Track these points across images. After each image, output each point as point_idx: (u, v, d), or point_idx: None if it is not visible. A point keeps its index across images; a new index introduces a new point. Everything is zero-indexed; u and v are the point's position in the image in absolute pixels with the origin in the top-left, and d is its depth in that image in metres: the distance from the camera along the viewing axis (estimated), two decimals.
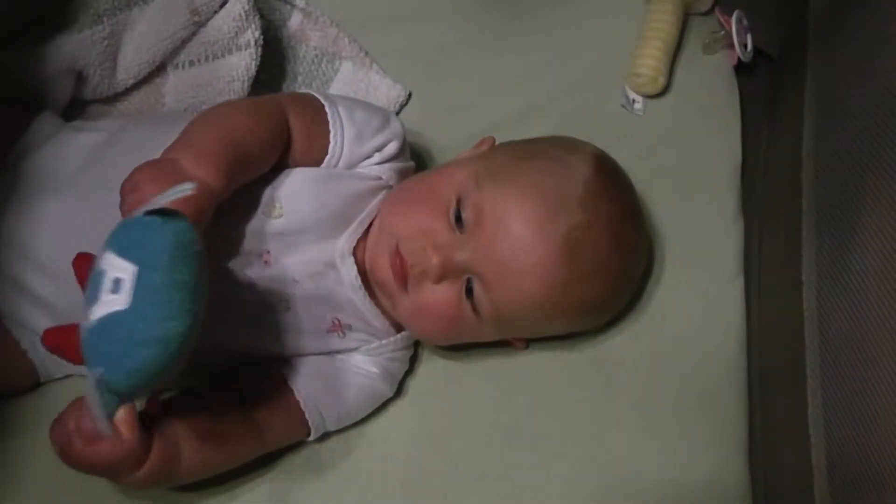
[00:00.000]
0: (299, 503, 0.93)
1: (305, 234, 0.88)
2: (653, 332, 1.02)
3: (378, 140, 0.93)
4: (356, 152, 0.92)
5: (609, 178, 0.93)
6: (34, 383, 0.94)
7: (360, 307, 0.91)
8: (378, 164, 0.94)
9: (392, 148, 0.94)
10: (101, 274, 0.66)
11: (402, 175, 0.96)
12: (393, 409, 0.97)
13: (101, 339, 0.66)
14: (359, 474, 0.95)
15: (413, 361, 0.99)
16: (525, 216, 0.87)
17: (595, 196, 0.90)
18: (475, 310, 0.89)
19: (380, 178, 0.93)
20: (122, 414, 0.74)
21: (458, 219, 0.89)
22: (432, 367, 0.99)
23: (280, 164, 0.90)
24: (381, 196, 0.93)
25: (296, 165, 0.91)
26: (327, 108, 0.92)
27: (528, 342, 0.99)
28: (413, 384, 0.99)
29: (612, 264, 0.91)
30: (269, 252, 0.87)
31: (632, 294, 1.00)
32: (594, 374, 1.00)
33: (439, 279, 0.88)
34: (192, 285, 0.67)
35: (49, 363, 0.93)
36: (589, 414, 0.98)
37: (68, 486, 0.91)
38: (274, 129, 0.88)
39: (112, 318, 0.65)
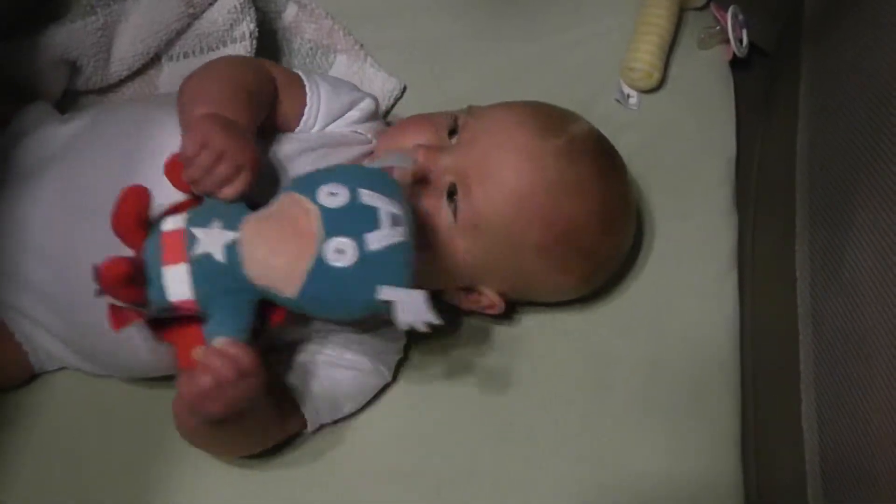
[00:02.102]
0: (292, 498, 0.93)
1: None
2: (646, 327, 1.02)
3: (354, 95, 0.97)
4: (334, 104, 0.95)
5: (601, 140, 0.97)
6: (28, 376, 0.94)
7: None
8: (359, 122, 0.96)
9: (369, 104, 0.97)
10: (372, 209, 0.76)
11: None
12: (386, 405, 0.97)
13: (389, 262, 0.76)
14: (351, 470, 0.95)
15: (405, 352, 0.98)
16: (514, 126, 0.91)
17: (583, 131, 0.95)
18: (453, 212, 0.89)
19: (369, 140, 0.96)
20: (255, 350, 0.78)
21: (453, 134, 0.92)
22: (426, 363, 0.99)
23: (264, 124, 0.91)
24: (370, 158, 0.94)
25: (275, 122, 0.92)
26: (301, 73, 0.96)
27: (505, 305, 0.96)
28: (406, 380, 0.98)
29: (594, 189, 0.91)
30: None
31: (616, 250, 0.98)
32: (587, 369, 1.00)
33: (421, 177, 0.89)
34: None
35: (43, 356, 0.92)
36: (582, 409, 0.98)
37: (61, 479, 0.91)
38: (265, 77, 0.92)
39: (400, 246, 0.76)
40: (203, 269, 0.77)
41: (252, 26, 1.00)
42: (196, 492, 0.92)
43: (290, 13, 1.11)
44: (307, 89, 0.94)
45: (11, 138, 0.93)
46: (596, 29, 1.16)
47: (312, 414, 0.92)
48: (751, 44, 1.15)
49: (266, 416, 0.87)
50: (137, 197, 0.77)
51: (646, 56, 1.11)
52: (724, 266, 1.05)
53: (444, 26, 1.16)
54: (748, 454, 0.98)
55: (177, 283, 0.77)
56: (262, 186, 0.83)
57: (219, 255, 0.77)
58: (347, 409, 0.95)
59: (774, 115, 1.11)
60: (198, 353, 0.77)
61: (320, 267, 0.75)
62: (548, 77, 1.13)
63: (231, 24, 0.99)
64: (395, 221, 0.76)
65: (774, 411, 0.96)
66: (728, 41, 1.14)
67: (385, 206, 0.77)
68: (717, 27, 1.15)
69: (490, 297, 0.95)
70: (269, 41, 1.07)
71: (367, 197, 0.77)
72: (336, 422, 0.95)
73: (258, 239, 0.77)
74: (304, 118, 0.94)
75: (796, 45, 1.06)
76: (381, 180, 0.79)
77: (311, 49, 1.10)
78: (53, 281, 0.86)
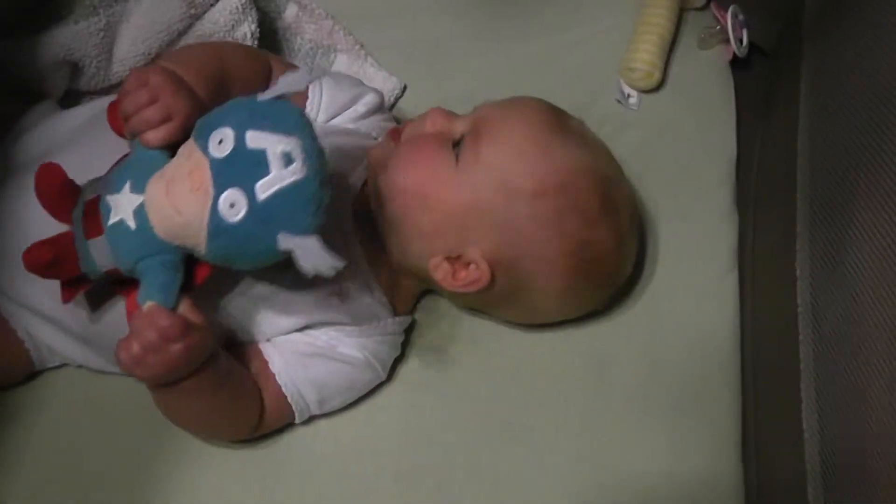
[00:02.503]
0: (291, 497, 0.93)
1: None
2: (646, 326, 1.02)
3: (357, 90, 0.98)
4: (337, 97, 0.96)
5: (614, 159, 0.98)
6: (29, 373, 0.94)
7: (358, 272, 0.91)
8: (364, 117, 0.97)
9: (372, 98, 0.98)
10: (259, 152, 0.72)
11: None
12: (385, 402, 0.97)
13: (287, 207, 0.73)
14: (351, 467, 0.95)
15: (405, 354, 0.98)
16: (527, 102, 0.94)
17: (596, 136, 0.97)
18: (456, 156, 0.90)
19: (373, 137, 0.96)
20: (186, 305, 0.79)
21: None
22: (425, 360, 0.99)
23: None
24: None
25: None
26: (303, 68, 0.95)
27: (490, 276, 0.91)
28: (406, 377, 0.98)
29: (600, 163, 0.93)
30: None
31: (613, 242, 0.92)
32: (587, 367, 1.00)
33: (432, 125, 0.92)
34: None
35: (44, 351, 0.93)
36: (582, 407, 0.98)
37: (61, 478, 0.92)
38: (256, 61, 0.94)
39: (296, 186, 0.72)
40: (120, 236, 0.78)
41: (253, 27, 1.00)
42: (196, 490, 0.92)
43: (290, 13, 1.11)
44: (309, 84, 0.94)
45: (15, 135, 0.94)
46: (596, 29, 1.16)
47: (300, 404, 0.91)
48: (751, 44, 1.15)
49: (224, 386, 0.86)
50: (48, 173, 0.80)
51: (646, 56, 1.11)
52: (725, 266, 1.05)
53: (444, 26, 1.16)
54: (748, 454, 0.98)
55: (102, 255, 0.79)
56: None
57: (130, 221, 0.77)
58: (337, 403, 0.94)
59: (775, 115, 1.11)
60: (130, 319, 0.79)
61: (217, 223, 0.74)
62: (548, 77, 1.13)
63: (233, 25, 0.99)
64: (286, 161, 0.72)
65: (775, 411, 0.96)
66: (728, 41, 1.14)
67: (274, 146, 0.73)
68: (718, 27, 1.15)
69: (477, 265, 0.90)
70: (270, 41, 1.07)
71: (254, 139, 0.73)
72: (329, 421, 0.95)
73: (162, 199, 0.76)
74: (306, 110, 0.95)
75: (796, 44, 1.06)
76: (273, 113, 0.75)
77: (312, 49, 1.10)
78: None
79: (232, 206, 0.73)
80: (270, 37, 1.08)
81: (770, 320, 1.00)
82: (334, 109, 0.96)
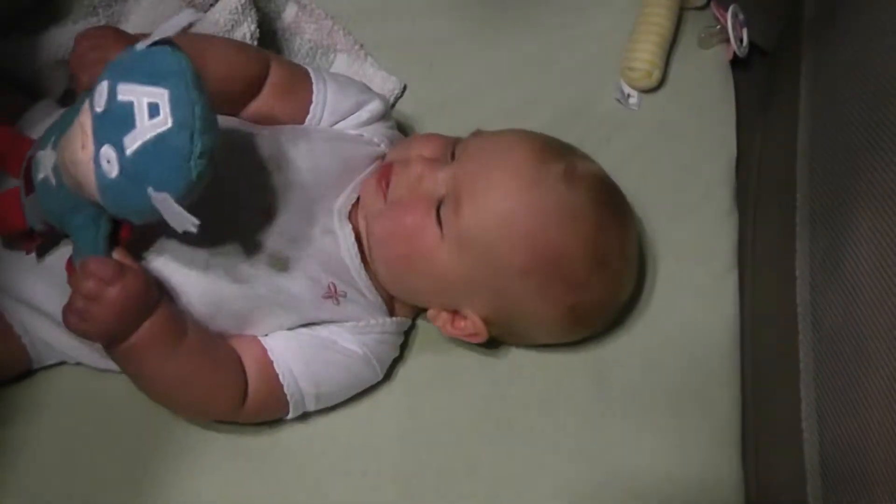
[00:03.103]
0: (292, 496, 0.93)
1: (304, 194, 0.89)
2: (646, 326, 1.02)
3: (361, 96, 0.97)
4: (341, 103, 0.95)
5: (607, 180, 0.95)
6: (26, 369, 0.94)
7: (354, 275, 0.91)
8: (367, 124, 0.97)
9: (377, 106, 0.97)
10: (127, 104, 0.69)
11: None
12: (384, 402, 0.97)
13: (152, 161, 0.69)
14: (350, 467, 0.95)
15: (404, 354, 0.98)
16: (512, 146, 0.90)
17: (587, 166, 0.93)
18: (440, 226, 0.88)
19: (376, 144, 0.96)
20: (118, 253, 0.80)
21: (454, 157, 0.92)
22: (424, 361, 0.99)
23: (262, 116, 0.93)
24: (377, 164, 0.95)
25: (280, 116, 0.94)
26: (310, 70, 0.96)
27: (488, 334, 0.94)
28: (404, 377, 0.98)
29: (589, 218, 0.89)
30: (268, 210, 0.88)
31: (607, 292, 0.94)
32: (586, 368, 1.00)
33: (416, 186, 0.90)
34: (209, 105, 0.71)
35: (41, 347, 0.93)
36: (581, 408, 0.98)
37: (61, 478, 0.91)
38: (247, 56, 0.93)
39: (160, 139, 0.69)
40: (45, 193, 0.79)
41: (253, 27, 1.00)
42: (195, 490, 0.92)
43: (289, 13, 1.11)
44: (314, 86, 0.95)
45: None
46: (596, 29, 1.16)
47: (296, 396, 0.91)
48: (751, 43, 1.15)
49: (191, 350, 0.86)
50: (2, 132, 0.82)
51: (646, 55, 1.11)
52: (724, 265, 1.05)
53: (444, 26, 1.16)
54: (748, 453, 0.98)
55: (36, 211, 0.81)
56: (262, 171, 0.86)
57: (52, 178, 0.78)
58: (334, 398, 0.94)
59: (775, 115, 1.11)
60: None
61: (101, 179, 0.72)
62: (548, 77, 1.13)
63: (232, 25, 0.99)
64: (152, 112, 0.69)
65: (774, 410, 0.96)
66: (728, 40, 1.13)
67: (142, 97, 0.69)
68: (718, 26, 1.15)
69: (474, 323, 0.93)
70: (269, 41, 1.07)
71: (125, 92, 0.70)
72: (327, 421, 0.95)
73: (65, 152, 0.75)
74: (309, 115, 0.95)
75: (797, 44, 1.06)
76: (144, 63, 0.71)
77: (311, 49, 1.10)
78: (57, 257, 0.86)
79: (108, 162, 0.71)
80: (270, 37, 1.08)
81: (770, 319, 1.00)
82: (338, 115, 0.96)
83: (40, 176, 0.79)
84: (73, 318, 0.80)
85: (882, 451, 0.73)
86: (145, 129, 0.69)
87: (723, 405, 0.99)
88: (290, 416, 0.93)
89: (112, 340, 0.83)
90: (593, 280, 0.91)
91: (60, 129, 0.78)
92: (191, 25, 0.73)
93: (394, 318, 0.95)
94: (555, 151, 0.91)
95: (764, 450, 0.96)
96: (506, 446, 0.96)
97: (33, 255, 0.87)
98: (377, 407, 0.97)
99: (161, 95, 0.69)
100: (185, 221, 0.70)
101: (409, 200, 0.90)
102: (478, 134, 0.94)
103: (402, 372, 0.99)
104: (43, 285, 0.88)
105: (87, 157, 0.72)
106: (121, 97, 0.70)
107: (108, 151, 0.70)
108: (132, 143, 0.69)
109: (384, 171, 0.92)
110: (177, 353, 0.85)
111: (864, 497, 0.75)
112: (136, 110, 0.69)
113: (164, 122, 0.69)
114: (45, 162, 0.79)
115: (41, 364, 0.94)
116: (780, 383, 0.94)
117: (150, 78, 0.69)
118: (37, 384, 0.95)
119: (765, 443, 0.96)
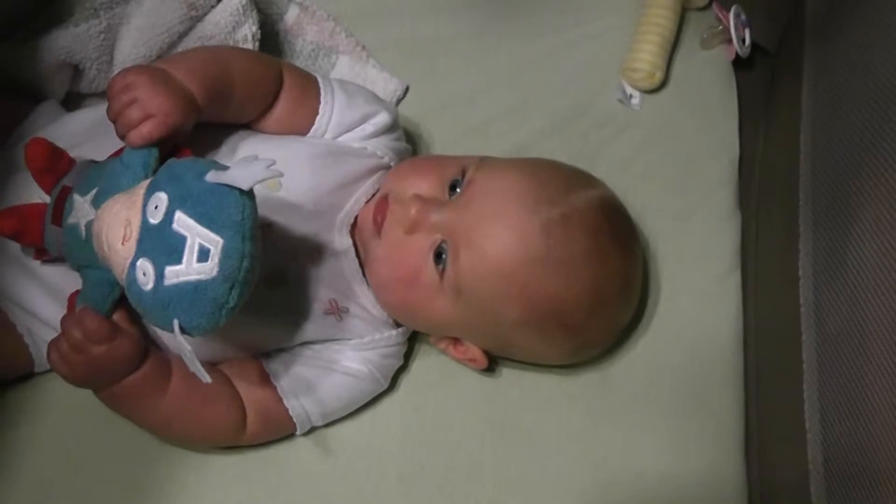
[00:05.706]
0: (294, 499, 0.93)
1: (304, 210, 0.89)
2: (648, 327, 1.02)
3: (369, 108, 0.96)
4: (347, 116, 0.94)
5: (612, 211, 0.94)
6: (29, 370, 0.94)
7: (356, 290, 0.91)
8: (372, 137, 0.95)
9: (384, 118, 0.96)
10: (179, 238, 0.70)
11: (401, 156, 0.97)
12: (387, 404, 0.97)
13: (186, 301, 0.70)
14: (354, 468, 0.95)
15: (407, 357, 0.98)
16: (509, 191, 0.88)
17: (588, 203, 0.90)
18: (439, 273, 0.88)
19: (379, 156, 0.95)
20: (119, 315, 0.82)
21: (454, 189, 0.90)
22: (427, 362, 0.99)
23: (272, 128, 0.93)
24: (379, 175, 0.94)
25: (286, 127, 0.93)
26: (319, 79, 0.96)
27: (489, 361, 0.95)
28: (408, 379, 0.99)
29: (586, 267, 0.88)
30: (269, 226, 0.87)
31: (608, 328, 0.95)
32: (589, 368, 1.00)
33: (411, 229, 0.88)
34: (259, 256, 0.72)
35: (44, 348, 0.92)
36: (584, 408, 0.98)
37: (61, 479, 0.91)
38: (265, 69, 0.92)
39: (201, 285, 0.69)
40: (71, 238, 0.80)
41: (255, 28, 1.00)
42: (196, 494, 0.92)
43: (291, 15, 1.11)
44: (322, 97, 0.94)
45: (17, 138, 0.94)
46: (597, 29, 1.16)
47: (302, 417, 0.91)
48: (753, 43, 1.15)
49: (173, 395, 0.86)
50: (38, 146, 0.82)
51: (648, 56, 1.11)
52: (727, 265, 1.05)
53: (445, 26, 1.15)
54: (751, 453, 0.98)
55: (56, 243, 0.82)
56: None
57: (82, 230, 0.79)
58: (339, 414, 0.95)
59: (777, 115, 1.11)
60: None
61: (130, 281, 0.73)
62: (548, 77, 1.13)
63: (234, 27, 0.99)
64: (201, 256, 0.69)
65: (777, 411, 0.96)
66: (730, 41, 1.13)
67: (196, 238, 0.70)
68: (720, 27, 1.15)
69: (474, 353, 0.94)
70: (271, 43, 1.07)
71: (180, 222, 0.70)
72: (329, 425, 0.95)
73: (105, 228, 0.75)
74: (314, 126, 0.94)
75: (798, 44, 1.06)
76: (209, 202, 0.70)
77: (313, 51, 1.10)
78: (61, 273, 0.86)
79: (144, 274, 0.71)
80: (272, 39, 1.08)
81: (773, 320, 1.00)
82: (343, 127, 0.95)
83: (71, 220, 0.80)
84: (55, 357, 0.81)
85: (886, 449, 0.73)
86: (190, 271, 0.70)
87: (726, 406, 0.99)
88: (297, 433, 0.93)
89: (90, 388, 0.85)
90: (592, 321, 0.91)
91: (107, 185, 0.79)
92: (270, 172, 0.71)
93: (399, 330, 0.95)
94: (553, 193, 0.88)
95: (767, 450, 0.96)
96: (508, 447, 0.96)
97: (38, 263, 0.88)
98: (380, 408, 0.97)
99: (216, 243, 0.69)
100: (198, 373, 0.73)
101: (407, 248, 0.88)
102: (481, 166, 0.91)
103: (405, 373, 0.99)
104: (45, 297, 0.88)
105: (125, 254, 0.73)
106: (175, 226, 0.70)
107: (147, 266, 0.71)
108: (173, 276, 0.70)
109: (380, 207, 0.90)
110: (163, 398, 0.86)
111: (868, 496, 0.75)
112: (187, 248, 0.69)
113: (210, 271, 0.69)
114: (80, 212, 0.79)
115: (44, 367, 0.94)
116: (783, 383, 0.93)
117: (209, 222, 0.70)
118: (39, 387, 0.95)
119: (768, 443, 0.96)
